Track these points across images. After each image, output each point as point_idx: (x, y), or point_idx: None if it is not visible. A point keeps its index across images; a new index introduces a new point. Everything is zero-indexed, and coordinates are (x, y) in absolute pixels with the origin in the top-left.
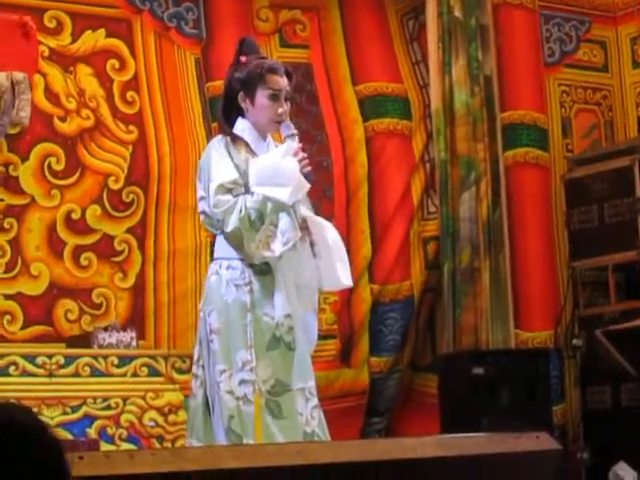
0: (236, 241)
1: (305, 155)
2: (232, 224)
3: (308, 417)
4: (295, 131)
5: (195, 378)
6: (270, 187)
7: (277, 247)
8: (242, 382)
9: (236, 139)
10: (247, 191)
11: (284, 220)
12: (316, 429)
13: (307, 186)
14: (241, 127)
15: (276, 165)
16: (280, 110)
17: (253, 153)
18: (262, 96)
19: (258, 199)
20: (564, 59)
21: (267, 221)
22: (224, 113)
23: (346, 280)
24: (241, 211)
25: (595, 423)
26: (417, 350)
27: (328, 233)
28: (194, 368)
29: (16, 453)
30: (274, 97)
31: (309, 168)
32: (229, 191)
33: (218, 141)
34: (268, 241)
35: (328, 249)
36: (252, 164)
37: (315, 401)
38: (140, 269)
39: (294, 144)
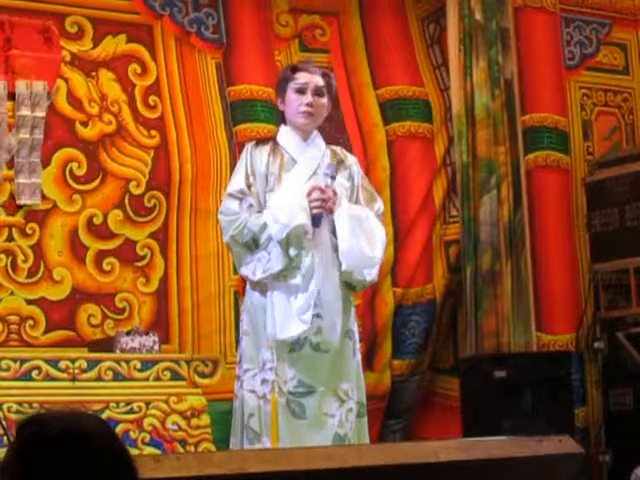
0: (230, 250)
1: (320, 197)
2: (226, 237)
3: (342, 419)
4: (329, 172)
5: (237, 380)
6: (271, 216)
7: (257, 273)
8: (263, 381)
9: (261, 144)
10: (268, 191)
11: (274, 251)
12: (349, 432)
13: (301, 226)
14: (280, 132)
15: (285, 198)
16: (306, 101)
17: (286, 157)
18: (290, 91)
19: (259, 223)
20: (585, 62)
21: (261, 246)
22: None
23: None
24: (236, 228)
25: (617, 426)
26: (438, 353)
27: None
28: (236, 369)
29: (83, 460)
30: (300, 91)
31: (319, 210)
32: (237, 199)
33: (244, 150)
34: (256, 265)
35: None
36: (282, 177)
37: (351, 404)
38: (163, 274)
39: (315, 184)
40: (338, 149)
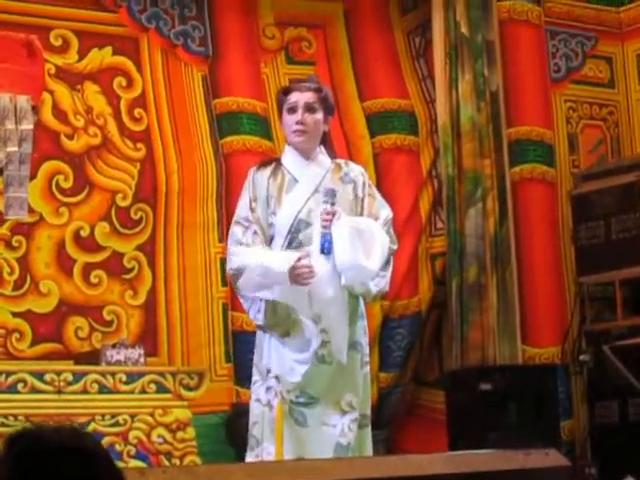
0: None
1: (302, 269)
2: (227, 269)
3: (345, 429)
4: (327, 198)
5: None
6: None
7: (250, 314)
8: (268, 389)
9: (263, 166)
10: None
11: (262, 303)
12: (352, 442)
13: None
14: (284, 153)
15: (264, 269)
16: (296, 119)
17: (287, 177)
18: (284, 114)
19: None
20: (570, 75)
21: None
22: None
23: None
24: (232, 268)
25: (603, 438)
26: (423, 365)
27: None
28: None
29: (85, 476)
30: (291, 110)
31: (304, 273)
32: (243, 227)
33: (248, 175)
34: (250, 305)
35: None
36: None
37: (355, 415)
38: (151, 286)
39: (297, 260)
40: (342, 162)
